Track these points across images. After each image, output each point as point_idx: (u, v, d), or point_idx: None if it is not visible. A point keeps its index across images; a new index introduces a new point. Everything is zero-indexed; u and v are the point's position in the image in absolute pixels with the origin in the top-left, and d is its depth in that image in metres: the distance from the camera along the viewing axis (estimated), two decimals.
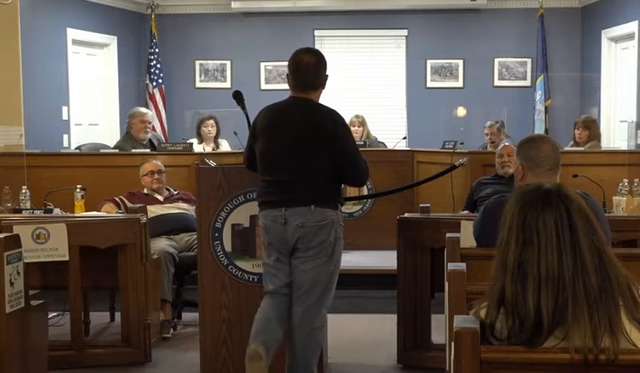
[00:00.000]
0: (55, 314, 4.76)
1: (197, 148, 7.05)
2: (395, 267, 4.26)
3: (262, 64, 9.34)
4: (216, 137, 7.29)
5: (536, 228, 1.75)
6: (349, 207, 6.92)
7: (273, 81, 9.36)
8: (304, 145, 3.40)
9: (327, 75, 3.57)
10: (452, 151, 6.25)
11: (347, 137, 3.48)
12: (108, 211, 5.08)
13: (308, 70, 3.51)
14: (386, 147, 7.70)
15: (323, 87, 3.57)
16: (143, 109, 7.09)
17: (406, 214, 4.41)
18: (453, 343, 1.70)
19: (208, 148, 7.17)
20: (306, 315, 3.42)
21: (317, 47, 9.36)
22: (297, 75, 3.51)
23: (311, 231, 3.36)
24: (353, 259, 6.44)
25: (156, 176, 5.39)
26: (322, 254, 3.39)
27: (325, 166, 3.39)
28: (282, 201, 3.39)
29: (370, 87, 9.36)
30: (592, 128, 6.76)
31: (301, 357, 3.43)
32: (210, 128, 7.25)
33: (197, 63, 9.44)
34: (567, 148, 6.10)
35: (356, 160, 3.48)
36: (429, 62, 9.11)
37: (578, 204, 1.77)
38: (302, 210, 3.36)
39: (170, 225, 5.16)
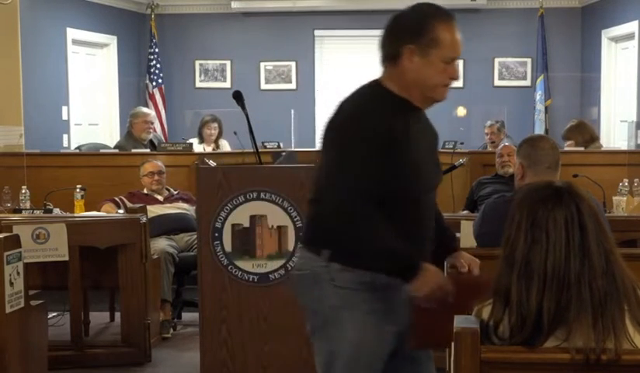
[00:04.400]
0: (55, 314, 4.76)
1: (198, 148, 7.06)
2: None
3: (262, 64, 9.34)
4: (217, 139, 7.29)
5: (546, 227, 1.72)
6: None
7: (272, 81, 9.36)
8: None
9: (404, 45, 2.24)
10: (452, 151, 6.24)
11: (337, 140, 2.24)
12: (108, 211, 5.08)
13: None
14: None
15: (390, 61, 2.30)
16: (145, 110, 7.10)
17: None
18: (453, 343, 1.70)
19: (208, 149, 7.17)
20: None
21: (317, 47, 9.37)
22: None
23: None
24: None
25: (156, 176, 5.39)
26: (309, 325, 2.37)
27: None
28: None
29: None
30: (576, 137, 6.37)
31: None
32: (212, 131, 7.26)
33: (197, 63, 9.44)
34: (567, 148, 6.09)
35: (333, 180, 2.19)
36: None
37: (588, 204, 1.75)
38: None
39: (170, 225, 5.16)
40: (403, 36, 2.22)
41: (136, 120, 6.74)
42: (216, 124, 7.27)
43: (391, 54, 2.26)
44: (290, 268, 3.86)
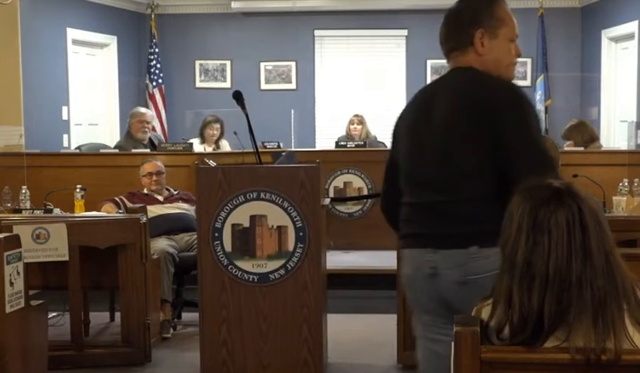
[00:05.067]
0: (55, 314, 4.76)
1: (199, 148, 7.08)
2: (395, 267, 4.24)
3: (262, 64, 9.34)
4: (218, 139, 7.31)
5: (548, 228, 1.71)
6: (349, 207, 6.92)
7: (272, 81, 9.36)
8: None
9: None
10: None
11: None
12: (108, 211, 5.08)
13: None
14: (386, 146, 7.69)
15: (461, 50, 2.34)
16: (142, 109, 7.11)
17: None
18: (453, 343, 1.70)
19: (209, 149, 7.18)
20: None
21: (317, 47, 9.37)
22: None
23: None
24: (352, 259, 6.45)
25: (154, 177, 5.38)
26: None
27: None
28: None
29: (370, 87, 9.36)
30: (576, 137, 6.39)
31: None
32: (214, 131, 7.28)
33: (197, 63, 9.44)
34: (566, 148, 6.09)
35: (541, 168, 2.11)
36: (429, 62, 9.11)
37: (589, 204, 1.74)
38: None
39: (170, 225, 5.16)
40: (470, 22, 2.28)
41: (133, 120, 6.78)
42: (218, 125, 7.28)
43: (461, 42, 2.29)
44: (290, 268, 3.87)
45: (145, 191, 5.41)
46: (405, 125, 2.38)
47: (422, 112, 2.30)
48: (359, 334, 4.90)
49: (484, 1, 2.31)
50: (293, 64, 9.34)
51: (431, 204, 2.24)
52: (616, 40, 8.28)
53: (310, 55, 9.34)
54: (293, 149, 7.21)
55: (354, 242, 6.68)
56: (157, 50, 9.20)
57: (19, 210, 4.94)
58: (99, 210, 5.10)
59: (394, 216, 2.41)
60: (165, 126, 9.17)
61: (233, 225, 3.90)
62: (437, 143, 2.23)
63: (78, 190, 5.16)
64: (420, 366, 2.37)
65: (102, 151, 6.72)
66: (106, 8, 8.66)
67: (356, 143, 7.33)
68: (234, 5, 9.07)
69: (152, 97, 9.14)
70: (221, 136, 7.32)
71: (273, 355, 3.89)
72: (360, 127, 7.70)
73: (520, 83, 9.03)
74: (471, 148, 2.16)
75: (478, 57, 2.27)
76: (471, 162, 2.17)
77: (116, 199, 5.25)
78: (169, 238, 5.09)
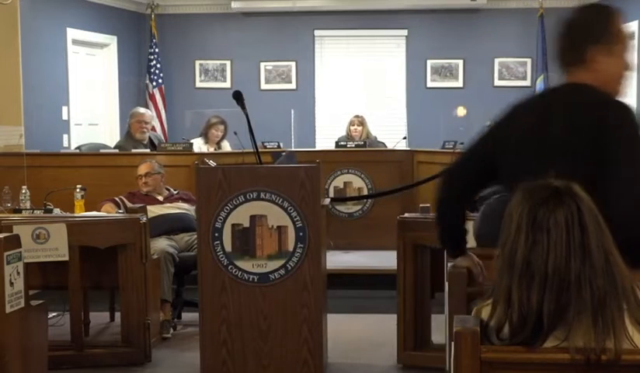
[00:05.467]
0: (55, 314, 4.76)
1: (203, 147, 7.10)
2: (395, 267, 4.26)
3: (262, 64, 9.34)
4: (220, 140, 7.33)
5: (547, 227, 1.72)
6: (349, 207, 6.92)
7: (273, 81, 9.36)
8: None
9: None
10: (452, 151, 6.25)
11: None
12: (108, 211, 5.08)
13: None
14: (386, 147, 7.71)
15: (574, 66, 2.34)
16: (141, 110, 7.12)
17: (406, 214, 4.41)
18: (453, 343, 1.70)
19: (211, 149, 7.19)
20: None
21: (317, 47, 9.37)
22: None
23: None
24: (352, 259, 6.45)
25: (143, 179, 5.36)
26: None
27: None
28: None
29: (370, 87, 9.36)
30: None
31: None
32: (219, 132, 7.30)
33: (197, 63, 9.44)
34: None
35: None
36: (429, 62, 9.11)
37: (588, 204, 1.75)
38: None
39: (170, 225, 5.15)
40: (585, 39, 2.27)
41: (132, 120, 6.81)
42: (223, 127, 7.31)
43: (576, 58, 2.28)
44: (290, 268, 3.86)
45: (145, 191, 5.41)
46: (515, 129, 2.33)
47: (538, 121, 2.27)
48: (359, 334, 4.90)
49: (600, 15, 2.28)
50: (293, 64, 9.34)
51: None
52: None
53: (310, 55, 9.34)
54: (293, 149, 7.22)
55: (354, 242, 6.68)
56: (157, 50, 9.20)
57: (19, 210, 4.94)
58: (99, 210, 5.10)
59: (450, 212, 2.59)
60: (165, 126, 9.16)
61: (233, 225, 3.89)
62: (551, 156, 2.20)
63: (78, 190, 5.16)
64: None
65: (102, 151, 6.71)
66: (106, 8, 8.66)
67: (356, 143, 7.34)
68: (234, 5, 9.07)
69: (152, 97, 9.14)
70: (223, 137, 7.35)
71: (273, 355, 3.89)
72: (360, 127, 7.70)
73: (520, 83, 9.11)
74: (581, 164, 2.15)
75: (591, 74, 2.25)
76: (580, 179, 2.06)
77: (116, 199, 5.25)
78: (169, 238, 5.08)
